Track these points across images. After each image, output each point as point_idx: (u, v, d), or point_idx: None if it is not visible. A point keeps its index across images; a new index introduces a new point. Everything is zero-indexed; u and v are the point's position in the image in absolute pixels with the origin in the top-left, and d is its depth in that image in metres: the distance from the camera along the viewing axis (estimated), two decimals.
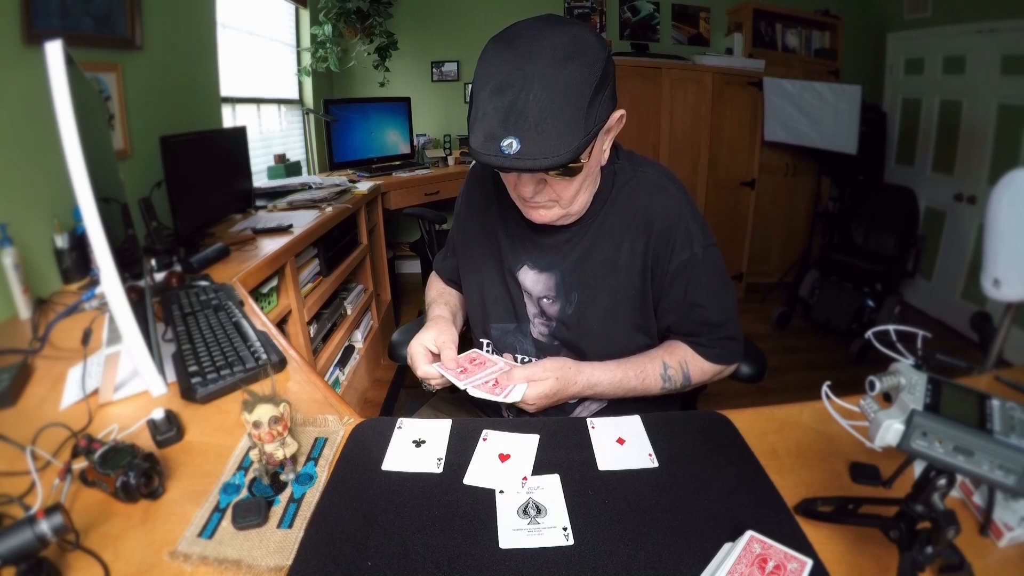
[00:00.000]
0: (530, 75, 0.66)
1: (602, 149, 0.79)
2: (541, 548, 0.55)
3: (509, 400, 0.79)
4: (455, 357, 0.86)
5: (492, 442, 0.73)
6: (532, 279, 0.92)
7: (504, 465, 0.69)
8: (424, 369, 0.86)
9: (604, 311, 0.89)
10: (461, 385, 0.81)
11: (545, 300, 0.92)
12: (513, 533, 0.56)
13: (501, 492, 0.62)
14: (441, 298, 1.07)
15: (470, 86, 0.74)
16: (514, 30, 0.71)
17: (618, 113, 0.76)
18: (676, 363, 0.90)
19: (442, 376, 0.85)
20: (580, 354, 0.91)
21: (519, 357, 0.96)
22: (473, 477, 0.66)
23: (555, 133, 0.65)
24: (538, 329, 0.95)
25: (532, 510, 0.60)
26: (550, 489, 0.63)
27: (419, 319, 1.12)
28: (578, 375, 0.85)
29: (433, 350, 0.88)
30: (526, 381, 0.81)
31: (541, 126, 0.65)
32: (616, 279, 0.88)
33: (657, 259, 0.87)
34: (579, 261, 0.89)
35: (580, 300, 0.90)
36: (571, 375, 0.84)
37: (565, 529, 0.57)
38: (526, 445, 0.72)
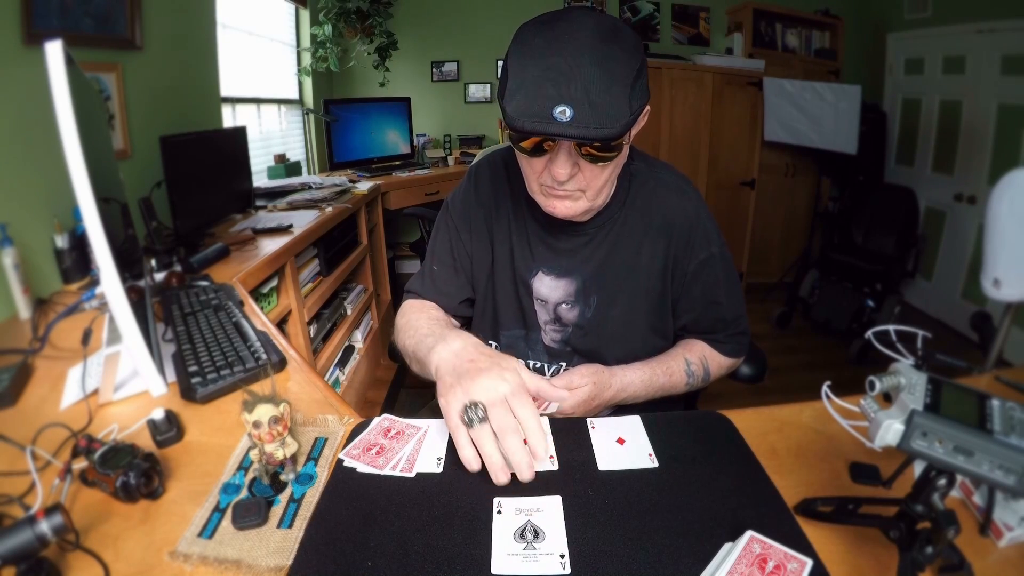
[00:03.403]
0: (578, 49, 0.65)
1: (630, 143, 0.78)
2: None
3: (550, 411, 0.77)
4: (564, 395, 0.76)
5: None
6: (549, 285, 0.91)
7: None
8: (541, 443, 0.64)
9: (623, 314, 0.89)
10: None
11: (563, 306, 0.91)
12: (507, 558, 0.54)
13: (499, 512, 0.59)
14: (452, 324, 0.93)
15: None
16: (551, 14, 0.71)
17: (647, 107, 0.75)
18: (697, 359, 0.91)
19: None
20: (597, 359, 0.90)
21: (531, 364, 0.95)
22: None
23: (606, 106, 0.64)
24: (550, 336, 0.93)
25: (529, 534, 0.57)
26: (550, 512, 0.60)
27: None
28: (612, 378, 0.84)
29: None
30: (565, 389, 0.79)
31: (592, 97, 0.63)
32: (636, 281, 0.88)
33: (677, 260, 0.88)
34: (601, 265, 0.88)
35: (599, 303, 0.89)
36: (605, 379, 0.83)
37: (563, 556, 0.54)
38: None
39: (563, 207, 0.78)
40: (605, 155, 0.71)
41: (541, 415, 0.76)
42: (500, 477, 0.61)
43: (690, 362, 0.90)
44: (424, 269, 1.00)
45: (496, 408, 0.63)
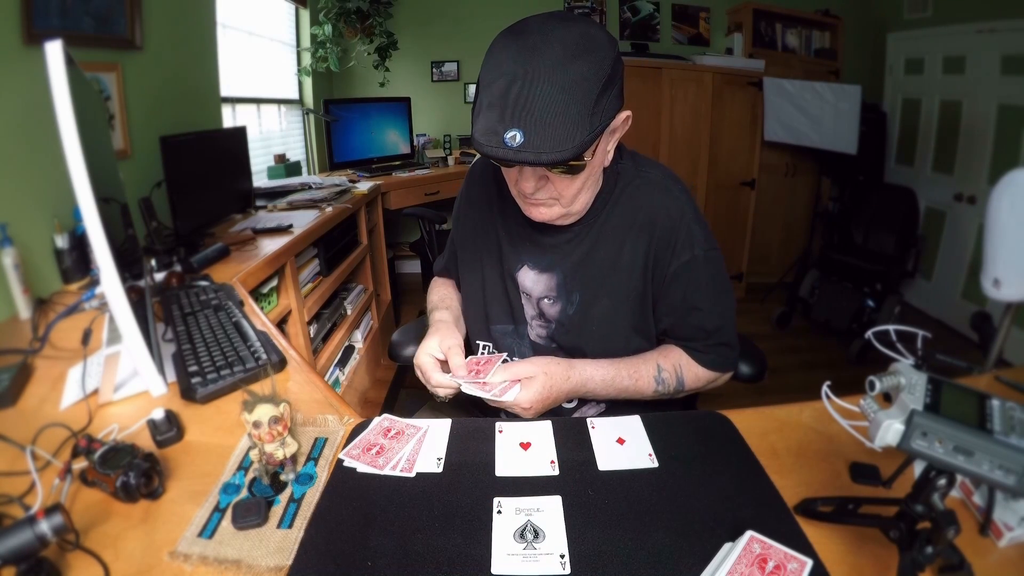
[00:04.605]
0: (537, 69, 0.65)
1: (606, 150, 0.78)
2: None
3: (504, 399, 0.77)
4: (463, 363, 0.83)
5: (509, 433, 0.73)
6: (532, 279, 0.92)
7: (528, 453, 0.69)
8: (437, 379, 0.83)
9: (604, 312, 0.88)
10: (473, 392, 0.79)
11: (545, 301, 0.91)
12: (507, 558, 0.54)
13: (499, 512, 0.60)
14: (443, 303, 1.04)
15: (475, 81, 0.73)
16: (523, 24, 0.70)
17: (624, 114, 0.75)
18: (670, 366, 0.89)
19: (455, 385, 0.82)
20: (579, 356, 0.90)
21: (516, 360, 0.95)
22: (503, 469, 0.67)
23: (560, 128, 0.64)
24: (536, 332, 0.94)
25: (529, 534, 0.57)
26: (550, 512, 0.60)
27: (419, 319, 1.11)
28: (569, 370, 0.83)
29: (440, 357, 0.86)
30: (512, 379, 0.79)
31: (546, 120, 0.64)
32: (617, 280, 0.87)
33: (658, 260, 0.86)
34: (581, 261, 0.88)
35: (581, 301, 0.89)
36: (560, 371, 0.82)
37: (563, 556, 0.54)
38: (542, 431, 0.73)
39: (539, 213, 0.81)
40: (573, 166, 0.72)
41: (497, 401, 0.77)
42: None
43: (662, 368, 0.88)
44: (445, 253, 1.13)
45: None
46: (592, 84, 0.66)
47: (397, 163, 3.37)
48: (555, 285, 0.90)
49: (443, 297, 1.07)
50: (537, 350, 0.94)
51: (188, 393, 0.82)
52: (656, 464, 0.68)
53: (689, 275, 0.86)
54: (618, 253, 0.87)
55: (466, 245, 1.00)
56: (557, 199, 0.78)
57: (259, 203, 2.25)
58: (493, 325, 0.97)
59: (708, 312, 0.88)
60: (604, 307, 0.88)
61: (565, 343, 0.92)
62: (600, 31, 0.70)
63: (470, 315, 1.01)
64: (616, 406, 0.92)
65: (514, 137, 0.64)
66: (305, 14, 3.28)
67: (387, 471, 0.66)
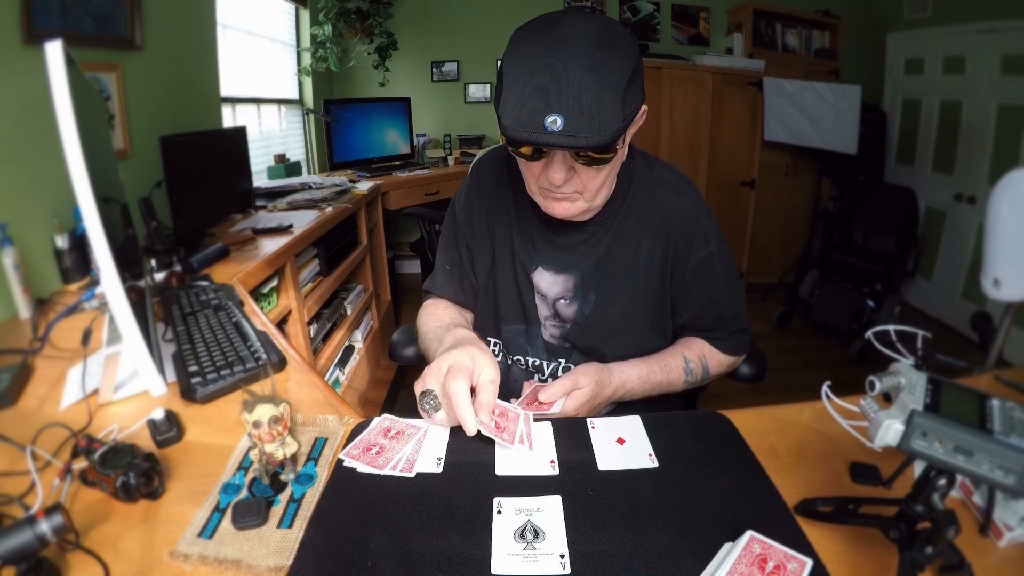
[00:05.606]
0: (570, 56, 0.65)
1: (627, 142, 0.79)
2: None
3: (553, 412, 0.77)
4: (493, 402, 0.70)
5: None
6: (548, 281, 0.91)
7: (529, 453, 0.69)
8: (467, 414, 0.66)
9: (621, 311, 0.89)
10: (507, 443, 0.68)
11: (562, 302, 0.91)
12: (507, 558, 0.54)
13: (499, 512, 0.60)
14: (455, 323, 0.92)
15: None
16: (545, 18, 0.71)
17: (643, 107, 0.76)
18: (696, 356, 0.92)
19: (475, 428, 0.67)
20: (595, 356, 0.91)
21: (530, 361, 0.96)
22: (503, 469, 0.66)
23: (598, 113, 0.65)
24: (549, 332, 0.94)
25: (529, 534, 0.56)
26: (550, 512, 0.60)
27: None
28: (610, 375, 0.84)
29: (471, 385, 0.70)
30: (569, 392, 0.78)
31: (584, 105, 0.64)
32: (634, 279, 0.89)
33: (676, 258, 0.88)
34: (599, 262, 0.89)
35: (597, 301, 0.90)
36: (605, 377, 0.83)
37: (563, 556, 0.54)
38: (542, 431, 0.73)
39: (561, 208, 0.80)
40: (600, 159, 0.72)
41: (544, 418, 0.76)
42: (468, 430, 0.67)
43: (688, 360, 0.91)
44: (436, 268, 1.04)
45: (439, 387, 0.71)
46: (621, 73, 0.67)
47: (397, 163, 3.37)
48: (572, 286, 0.90)
49: (455, 319, 0.95)
50: (550, 350, 0.94)
51: (188, 393, 0.82)
52: (656, 464, 0.68)
53: (707, 270, 0.89)
54: (635, 253, 0.88)
55: (477, 242, 0.97)
56: (581, 192, 0.78)
57: (259, 203, 2.25)
58: (504, 325, 0.96)
59: (725, 302, 0.92)
60: (620, 306, 0.89)
61: (580, 343, 0.92)
62: (619, 26, 0.72)
63: (480, 312, 1.00)
64: (619, 405, 0.92)
65: (555, 122, 0.64)
66: (305, 14, 3.28)
67: (387, 471, 0.66)
